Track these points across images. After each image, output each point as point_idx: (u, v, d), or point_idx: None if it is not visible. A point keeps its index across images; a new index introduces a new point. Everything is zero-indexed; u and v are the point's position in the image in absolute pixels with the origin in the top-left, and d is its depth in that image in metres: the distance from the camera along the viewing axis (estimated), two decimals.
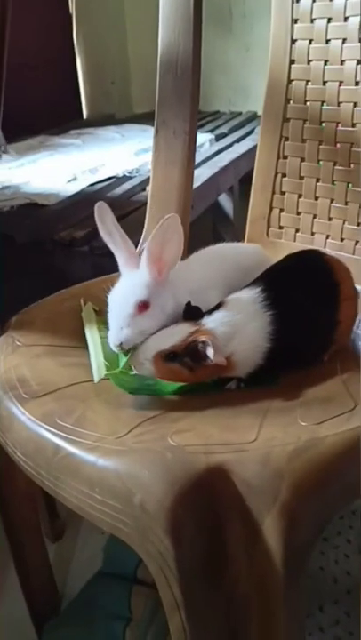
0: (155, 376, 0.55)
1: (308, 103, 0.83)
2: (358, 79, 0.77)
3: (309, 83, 0.82)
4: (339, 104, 0.79)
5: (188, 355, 0.54)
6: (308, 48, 0.81)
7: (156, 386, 0.58)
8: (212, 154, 2.02)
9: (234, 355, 0.56)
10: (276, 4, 0.83)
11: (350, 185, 0.81)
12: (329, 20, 0.78)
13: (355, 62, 0.76)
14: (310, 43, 0.81)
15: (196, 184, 1.54)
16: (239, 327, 0.56)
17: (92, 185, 1.68)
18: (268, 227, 0.91)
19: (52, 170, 1.86)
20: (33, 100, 2.36)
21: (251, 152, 2.07)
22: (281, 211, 0.89)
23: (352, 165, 0.80)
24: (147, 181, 1.63)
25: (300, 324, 0.60)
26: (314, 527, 0.50)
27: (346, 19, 0.76)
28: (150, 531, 0.45)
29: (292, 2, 0.81)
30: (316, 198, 0.85)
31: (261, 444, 0.49)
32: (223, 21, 2.94)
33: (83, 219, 1.38)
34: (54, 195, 1.59)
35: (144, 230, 0.91)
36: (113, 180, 1.73)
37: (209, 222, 2.15)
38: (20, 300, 0.78)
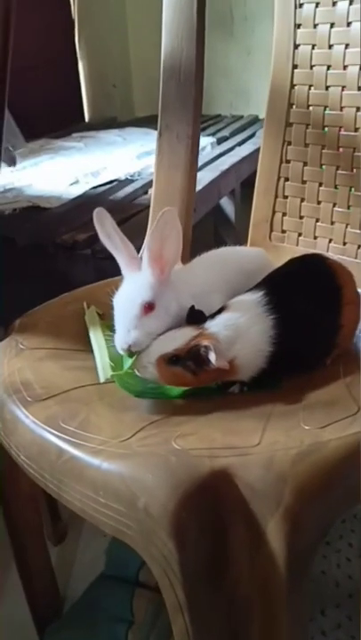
0: (157, 379, 0.55)
1: (310, 108, 0.83)
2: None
3: (312, 87, 0.82)
4: (341, 109, 0.80)
5: (190, 358, 0.54)
6: (311, 53, 0.81)
7: (160, 389, 0.58)
8: (214, 157, 2.03)
9: (237, 358, 0.56)
10: (279, 9, 0.83)
11: (353, 189, 0.81)
12: (332, 25, 0.78)
13: (357, 67, 0.77)
14: (313, 48, 0.81)
15: (198, 187, 1.54)
16: (242, 331, 0.56)
17: (94, 188, 1.69)
18: (271, 230, 0.91)
19: (55, 173, 1.86)
20: (35, 104, 2.36)
21: (252, 155, 2.07)
22: (284, 215, 0.90)
23: (355, 170, 0.80)
24: (149, 184, 1.63)
25: (303, 328, 0.60)
26: (317, 531, 0.50)
27: (349, 24, 0.77)
28: (154, 534, 0.45)
29: (295, 7, 0.81)
30: (319, 202, 0.85)
31: (265, 447, 0.49)
32: (224, 25, 2.95)
33: (85, 222, 1.39)
34: (56, 198, 1.60)
35: (146, 235, 0.92)
36: (115, 184, 1.73)
37: (211, 225, 2.15)
38: (21, 303, 0.78)
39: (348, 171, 0.81)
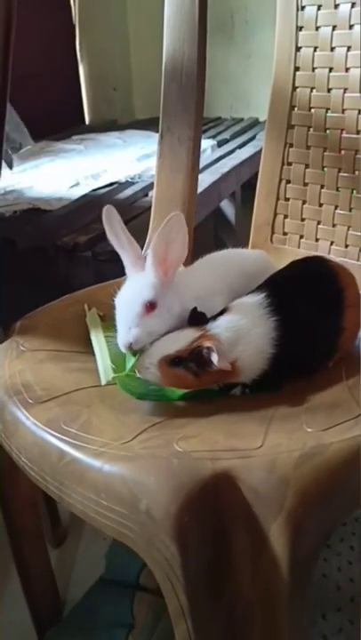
0: (159, 381, 0.55)
1: (312, 110, 0.83)
2: None
3: (314, 90, 0.82)
4: (343, 111, 0.80)
5: (192, 360, 0.54)
6: (313, 55, 0.81)
7: (161, 391, 0.58)
8: (214, 160, 2.03)
9: (238, 360, 0.56)
10: (281, 11, 0.83)
11: (355, 192, 0.81)
12: (334, 27, 0.78)
13: (359, 70, 0.76)
14: (315, 50, 0.81)
15: (199, 190, 1.53)
16: (244, 333, 0.56)
17: (95, 190, 1.69)
18: (273, 233, 0.91)
19: (55, 175, 1.86)
20: (35, 106, 2.37)
21: (253, 158, 2.07)
22: (285, 217, 0.90)
23: (356, 172, 0.80)
24: (149, 187, 1.63)
25: (305, 331, 0.60)
26: (320, 534, 0.50)
27: (351, 27, 0.76)
28: (156, 537, 0.45)
29: (297, 9, 0.81)
30: (321, 205, 0.85)
31: (267, 450, 0.49)
32: (225, 29, 2.96)
33: (85, 224, 1.39)
34: (57, 200, 1.60)
35: (148, 236, 0.92)
36: (115, 186, 1.73)
37: (211, 228, 2.15)
38: (22, 305, 0.78)
39: (349, 173, 0.81)
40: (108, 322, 0.70)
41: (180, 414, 0.55)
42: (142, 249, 0.88)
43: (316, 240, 0.87)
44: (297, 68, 0.83)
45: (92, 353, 0.67)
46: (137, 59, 3.23)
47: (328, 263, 0.65)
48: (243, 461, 0.48)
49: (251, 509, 0.46)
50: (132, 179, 1.79)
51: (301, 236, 0.88)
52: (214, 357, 0.52)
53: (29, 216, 1.51)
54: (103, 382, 0.61)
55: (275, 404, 0.56)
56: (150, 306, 0.57)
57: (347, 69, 0.78)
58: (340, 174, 0.82)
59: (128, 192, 1.66)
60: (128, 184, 1.75)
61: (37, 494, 0.79)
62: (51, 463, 0.52)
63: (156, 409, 0.57)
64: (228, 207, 2.12)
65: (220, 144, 2.31)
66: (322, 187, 0.85)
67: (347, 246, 0.83)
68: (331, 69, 0.80)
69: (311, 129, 0.84)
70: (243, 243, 0.95)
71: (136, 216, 1.42)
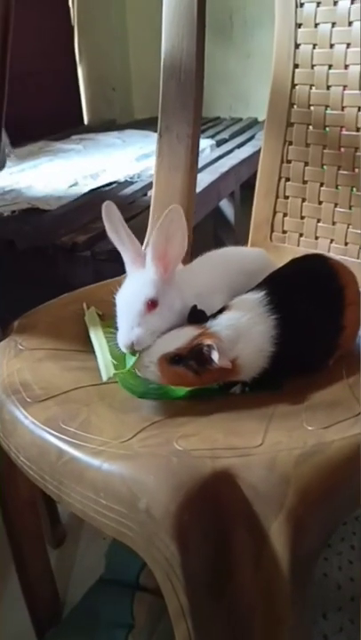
0: (159, 379, 0.55)
1: (312, 108, 0.83)
2: None
3: (313, 87, 0.82)
4: (343, 108, 0.79)
5: (193, 358, 0.53)
6: (312, 53, 0.81)
7: (162, 390, 0.57)
8: (213, 159, 2.03)
9: (239, 358, 0.55)
10: (280, 9, 0.83)
11: (354, 189, 0.80)
12: (333, 24, 0.78)
13: (359, 67, 0.76)
14: (314, 47, 0.81)
15: (198, 189, 1.54)
16: (244, 331, 0.56)
17: (94, 190, 1.69)
18: (272, 231, 0.91)
19: (54, 175, 1.86)
20: (34, 106, 2.37)
21: (252, 158, 2.07)
22: (285, 215, 0.89)
23: (356, 170, 0.80)
24: (148, 187, 1.63)
25: (305, 329, 0.59)
26: (321, 533, 0.49)
27: (350, 23, 0.76)
28: (156, 536, 0.44)
29: (296, 6, 0.81)
30: (320, 203, 0.85)
31: (267, 448, 0.48)
32: (224, 29, 2.96)
33: (84, 224, 1.38)
34: (55, 200, 1.60)
35: (147, 234, 0.91)
36: (114, 186, 1.73)
37: (210, 228, 2.15)
38: (21, 305, 0.78)
39: (349, 171, 0.80)
40: (107, 320, 0.70)
41: (179, 413, 0.55)
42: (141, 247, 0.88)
43: (316, 238, 0.87)
44: (296, 66, 0.83)
45: (91, 351, 0.67)
46: (136, 58, 3.22)
47: (328, 261, 0.64)
48: (243, 460, 0.47)
49: (251, 508, 0.46)
50: (130, 178, 1.78)
51: (301, 234, 0.88)
52: (215, 355, 0.52)
53: (28, 216, 1.50)
54: (104, 378, 0.61)
55: (275, 403, 0.55)
56: (152, 304, 0.57)
57: (346, 66, 0.78)
58: (340, 172, 0.82)
59: (127, 192, 1.65)
60: (127, 184, 1.74)
61: (37, 494, 0.78)
62: (49, 462, 0.52)
63: (156, 407, 0.57)
64: (227, 207, 2.12)
65: (218, 144, 2.31)
66: (321, 184, 0.84)
67: (346, 244, 0.83)
68: (330, 66, 0.79)
69: (310, 126, 0.84)
70: (242, 242, 0.95)
71: (135, 215, 1.42)
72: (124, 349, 0.57)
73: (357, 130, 0.78)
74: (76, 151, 2.25)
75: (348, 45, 0.77)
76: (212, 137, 2.41)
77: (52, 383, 0.60)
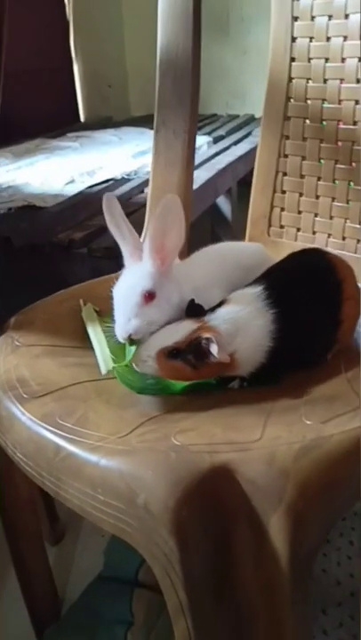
0: (157, 373, 0.54)
1: (308, 101, 0.82)
2: (359, 77, 0.76)
3: (310, 81, 0.81)
4: (340, 102, 0.79)
5: (191, 352, 0.53)
6: (309, 46, 0.80)
7: (160, 385, 0.57)
8: (210, 156, 2.02)
9: (237, 352, 0.55)
10: (277, 2, 0.82)
11: (352, 183, 0.80)
12: (330, 17, 0.77)
13: (356, 60, 0.76)
14: (311, 40, 0.80)
15: (195, 186, 1.53)
16: (242, 325, 0.55)
17: (90, 187, 1.68)
18: (270, 226, 0.90)
19: (50, 172, 1.85)
20: (30, 104, 2.36)
21: (249, 154, 2.07)
22: (282, 210, 0.89)
23: (353, 164, 0.79)
24: (144, 184, 1.63)
25: (303, 323, 0.59)
26: (320, 528, 0.49)
27: (346, 16, 0.76)
28: (154, 532, 0.44)
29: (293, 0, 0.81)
30: (318, 197, 0.84)
31: (266, 442, 0.48)
32: (221, 25, 2.96)
33: (81, 221, 1.38)
34: (52, 197, 1.59)
35: (143, 231, 0.91)
36: (111, 183, 1.72)
37: (208, 224, 2.15)
38: (18, 302, 0.77)
39: (346, 165, 0.80)
40: (104, 316, 0.69)
41: (177, 408, 0.55)
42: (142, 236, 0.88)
43: (314, 233, 0.86)
44: (293, 59, 0.82)
45: (89, 347, 0.66)
46: (132, 55, 3.22)
47: (326, 255, 0.64)
48: (241, 454, 0.47)
49: (250, 503, 0.46)
50: (127, 175, 1.78)
51: (298, 229, 0.88)
52: (214, 348, 0.52)
53: (24, 213, 1.50)
54: (103, 372, 0.60)
55: (273, 397, 0.55)
56: (149, 296, 0.57)
57: (343, 59, 0.77)
58: (337, 166, 0.81)
59: (124, 189, 1.65)
60: (124, 181, 1.74)
61: (35, 492, 0.78)
62: (47, 458, 0.51)
63: (154, 403, 0.56)
64: (224, 203, 2.12)
65: (215, 140, 2.30)
66: (319, 179, 0.84)
67: (344, 238, 0.82)
68: (327, 60, 0.79)
69: (307, 120, 0.83)
70: (239, 239, 0.94)
71: (132, 212, 1.41)
72: (121, 340, 0.57)
73: (355, 123, 0.78)
74: (73, 148, 2.24)
75: (345, 38, 0.76)
76: (208, 134, 2.40)
77: (49, 379, 0.60)
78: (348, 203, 0.81)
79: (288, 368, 0.59)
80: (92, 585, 0.86)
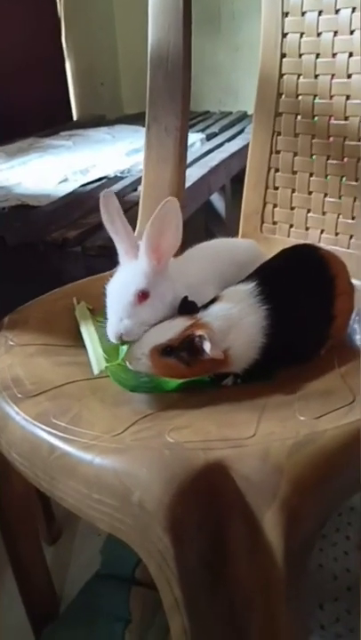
0: (151, 371, 0.54)
1: (300, 97, 0.82)
2: (350, 72, 0.76)
3: (301, 76, 0.81)
4: (331, 97, 0.79)
5: (184, 349, 0.53)
6: (300, 41, 0.80)
7: (154, 383, 0.57)
8: (203, 153, 2.02)
9: (230, 349, 0.55)
10: None
11: (344, 179, 0.80)
12: (320, 12, 0.77)
13: (346, 55, 0.76)
14: (301, 36, 0.80)
15: (188, 184, 1.53)
16: (235, 322, 0.55)
17: (84, 186, 1.68)
18: (262, 222, 0.90)
19: (43, 171, 1.84)
20: (23, 102, 2.35)
21: (242, 151, 2.06)
22: (275, 206, 0.89)
23: (345, 159, 0.79)
24: (138, 181, 1.62)
25: (296, 319, 0.59)
26: (315, 522, 0.49)
27: (337, 11, 0.76)
28: (149, 529, 0.44)
29: None
30: (310, 193, 0.85)
31: (260, 439, 0.48)
32: (212, 22, 2.95)
33: (74, 219, 1.38)
34: (45, 196, 1.58)
35: (136, 229, 0.91)
36: (104, 181, 1.72)
37: (201, 222, 2.14)
38: (12, 301, 0.77)
39: (338, 160, 0.80)
40: (97, 315, 0.69)
41: (171, 405, 0.55)
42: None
43: (306, 229, 0.86)
44: (283, 55, 0.82)
45: (83, 346, 0.66)
46: (124, 53, 3.21)
47: (318, 251, 0.64)
48: (235, 451, 0.47)
49: (245, 499, 0.46)
50: (121, 173, 1.77)
51: (291, 225, 0.88)
52: (207, 345, 0.52)
53: (18, 212, 1.49)
54: (96, 372, 0.60)
55: (267, 394, 0.55)
56: (143, 295, 0.56)
57: (334, 55, 0.77)
58: (329, 161, 0.81)
59: (117, 187, 1.64)
60: (117, 179, 1.73)
61: (31, 491, 0.78)
62: (41, 458, 0.51)
63: (148, 401, 0.56)
64: (218, 201, 2.12)
65: (208, 138, 2.29)
66: (311, 174, 0.84)
67: (337, 234, 0.82)
68: (318, 55, 0.79)
69: (299, 116, 0.83)
70: (233, 236, 0.94)
71: (126, 210, 1.40)
72: (113, 340, 0.57)
73: (346, 118, 0.78)
74: (66, 147, 2.24)
75: (336, 33, 0.76)
76: (201, 131, 2.40)
77: (44, 378, 0.60)
78: (340, 198, 0.81)
79: (281, 364, 0.59)
80: (89, 583, 0.86)
